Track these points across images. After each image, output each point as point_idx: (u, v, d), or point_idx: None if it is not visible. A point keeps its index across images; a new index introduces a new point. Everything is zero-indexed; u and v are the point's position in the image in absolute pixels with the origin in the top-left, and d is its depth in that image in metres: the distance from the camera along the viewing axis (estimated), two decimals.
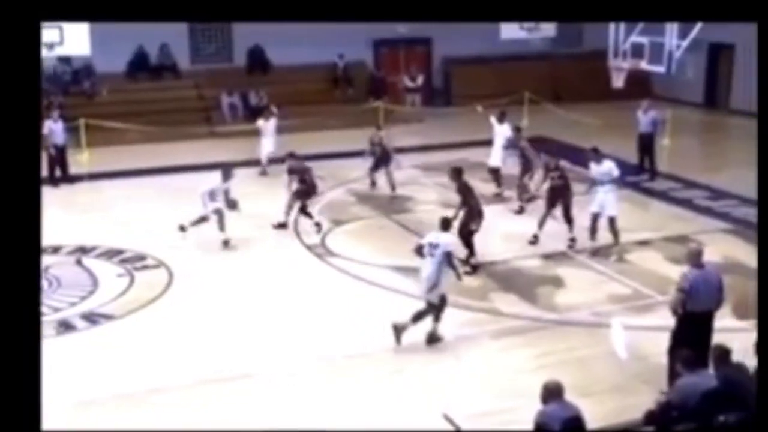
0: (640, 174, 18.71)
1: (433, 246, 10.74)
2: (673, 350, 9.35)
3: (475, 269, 13.23)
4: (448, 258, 10.71)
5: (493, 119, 17.81)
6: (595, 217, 14.05)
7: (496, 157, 17.55)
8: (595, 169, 14.04)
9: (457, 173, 13.59)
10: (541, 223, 14.54)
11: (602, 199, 13.97)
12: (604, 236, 14.70)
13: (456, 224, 12.56)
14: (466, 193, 13.41)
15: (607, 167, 13.97)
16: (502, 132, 17.48)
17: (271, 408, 9.50)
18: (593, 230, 14.12)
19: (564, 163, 15.02)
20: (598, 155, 14.09)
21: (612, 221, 13.98)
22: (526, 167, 16.56)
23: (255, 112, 24.13)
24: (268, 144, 19.74)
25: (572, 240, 14.30)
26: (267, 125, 19.80)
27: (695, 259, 9.61)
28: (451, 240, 11.08)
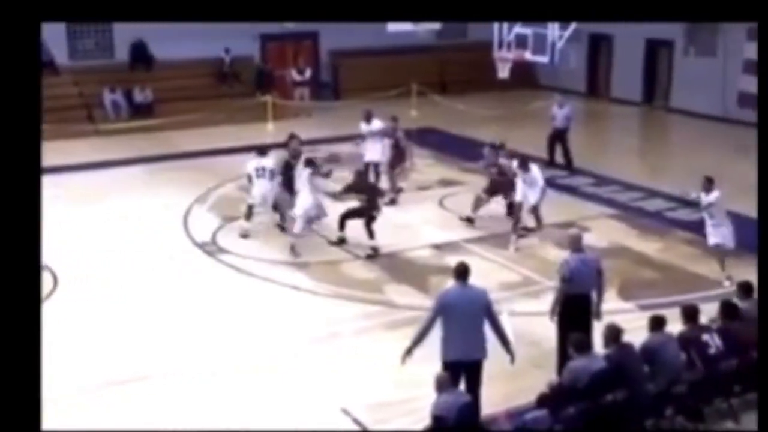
0: (550, 167, 18.55)
1: (263, 169, 14.52)
2: (560, 334, 9.66)
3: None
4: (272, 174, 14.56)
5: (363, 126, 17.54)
6: (519, 206, 14.47)
7: (374, 151, 17.50)
8: (524, 175, 14.34)
9: None
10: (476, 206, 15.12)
11: (525, 190, 14.36)
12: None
13: None
14: None
15: (534, 173, 14.38)
16: (374, 128, 17.31)
17: (168, 409, 9.38)
18: (516, 218, 14.54)
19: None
20: (524, 164, 14.43)
21: (534, 209, 14.43)
22: (398, 158, 16.81)
23: (140, 109, 23.72)
24: None
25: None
26: None
27: (575, 244, 9.94)
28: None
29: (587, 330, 9.58)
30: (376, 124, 17.43)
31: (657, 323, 8.83)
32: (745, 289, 9.74)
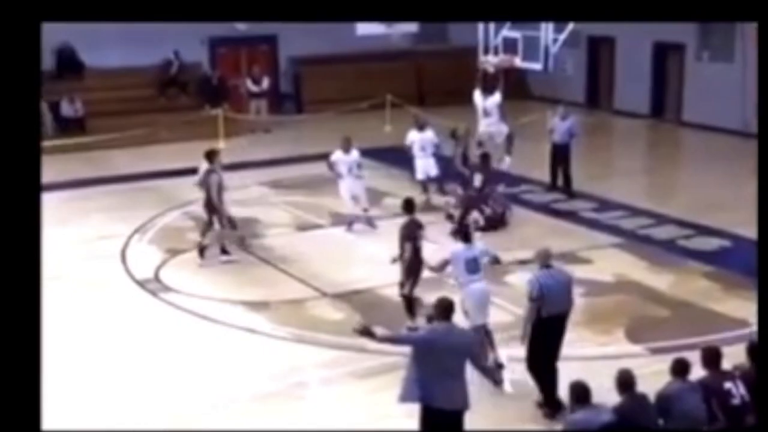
0: (552, 191, 18.85)
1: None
2: (532, 362, 10.02)
3: None
4: None
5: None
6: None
7: (428, 165, 17.95)
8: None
9: None
10: None
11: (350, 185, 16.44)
12: None
13: None
14: None
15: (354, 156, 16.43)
16: (426, 137, 18.01)
17: None
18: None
19: None
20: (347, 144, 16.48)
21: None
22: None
23: (69, 124, 23.57)
24: None
25: None
26: None
27: (545, 259, 10.15)
28: None
29: (556, 351, 10.01)
30: (429, 134, 17.70)
31: (679, 369, 8.80)
32: None
